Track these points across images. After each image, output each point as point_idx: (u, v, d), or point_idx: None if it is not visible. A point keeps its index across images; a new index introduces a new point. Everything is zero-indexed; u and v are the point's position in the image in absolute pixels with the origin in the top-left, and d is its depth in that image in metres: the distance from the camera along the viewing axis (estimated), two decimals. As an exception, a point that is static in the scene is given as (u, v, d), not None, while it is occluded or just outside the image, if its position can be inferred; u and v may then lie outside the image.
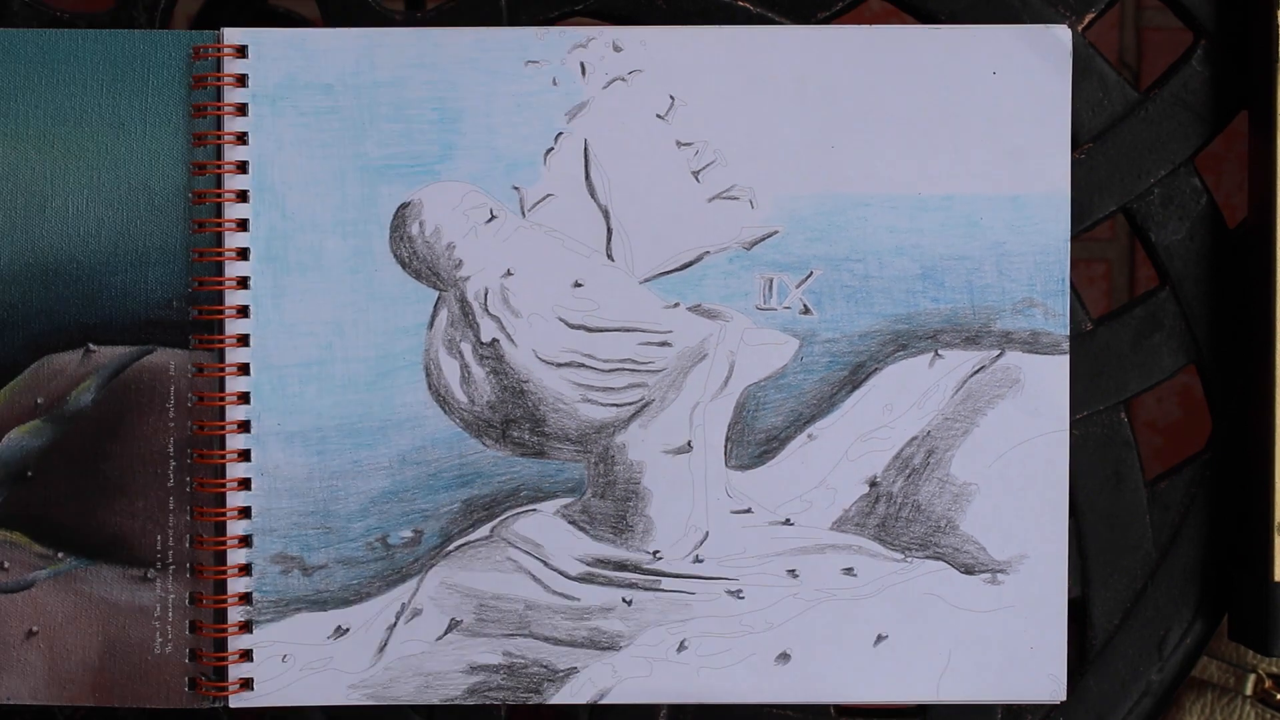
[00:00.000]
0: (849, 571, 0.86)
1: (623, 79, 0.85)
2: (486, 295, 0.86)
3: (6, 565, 0.86)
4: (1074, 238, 0.86)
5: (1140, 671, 0.90)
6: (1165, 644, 0.90)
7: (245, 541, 0.86)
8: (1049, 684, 0.87)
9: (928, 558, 0.86)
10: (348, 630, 0.86)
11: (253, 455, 0.86)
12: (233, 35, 0.85)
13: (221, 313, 0.85)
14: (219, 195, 0.85)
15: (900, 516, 0.86)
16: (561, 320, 0.86)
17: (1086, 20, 0.89)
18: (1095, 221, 0.89)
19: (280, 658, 0.86)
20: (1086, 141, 0.89)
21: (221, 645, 0.86)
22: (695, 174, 0.85)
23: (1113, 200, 0.89)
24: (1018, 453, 0.86)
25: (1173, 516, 0.90)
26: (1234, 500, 0.90)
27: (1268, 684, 0.96)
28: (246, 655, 0.86)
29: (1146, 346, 0.90)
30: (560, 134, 0.86)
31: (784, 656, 0.86)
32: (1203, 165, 0.90)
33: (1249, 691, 0.96)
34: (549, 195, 0.86)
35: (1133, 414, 0.91)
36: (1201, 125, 0.89)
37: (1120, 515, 0.90)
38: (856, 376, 0.86)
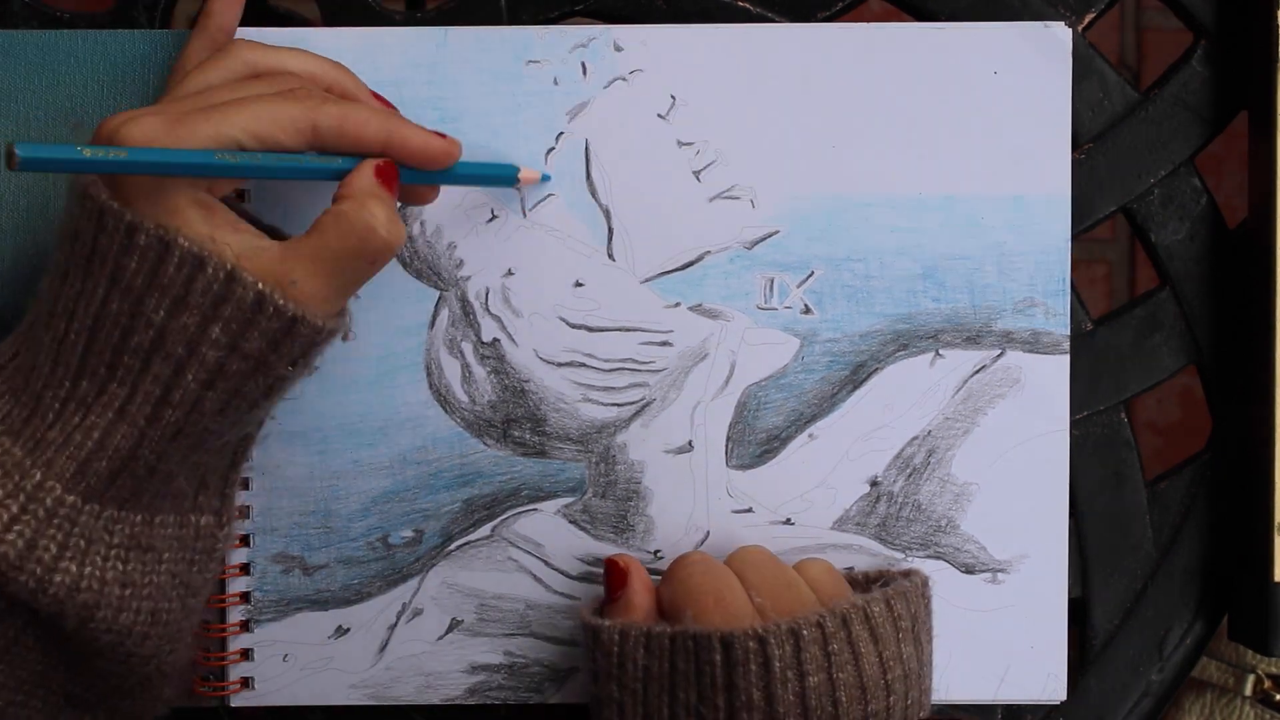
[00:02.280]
0: (850, 571, 0.86)
1: (623, 79, 0.85)
2: (488, 295, 0.86)
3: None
4: (1074, 238, 0.86)
5: (1140, 671, 0.90)
6: (1165, 644, 0.90)
7: (244, 541, 0.86)
8: (1049, 683, 0.87)
9: (928, 557, 0.86)
10: (348, 630, 0.86)
11: (252, 455, 0.86)
12: (233, 35, 0.85)
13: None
14: (219, 195, 0.85)
15: (901, 516, 0.86)
16: (562, 320, 0.86)
17: (1086, 20, 0.89)
18: (1095, 221, 0.89)
19: (281, 657, 0.86)
20: (1086, 141, 0.89)
21: (221, 645, 0.86)
22: (696, 174, 0.85)
23: (1113, 200, 0.89)
24: (1018, 452, 0.86)
25: (1173, 516, 0.90)
26: (1234, 500, 0.90)
27: (1267, 684, 0.96)
28: (246, 654, 0.86)
29: (1146, 346, 0.90)
30: (561, 133, 0.86)
31: (784, 656, 0.86)
32: (1203, 165, 0.90)
33: (1249, 692, 0.96)
34: (550, 195, 0.86)
35: (1133, 414, 0.91)
36: (1201, 125, 0.89)
37: (1120, 515, 0.90)
38: (857, 376, 0.86)
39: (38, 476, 0.70)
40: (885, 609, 0.77)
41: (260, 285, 0.70)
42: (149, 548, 0.73)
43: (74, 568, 0.70)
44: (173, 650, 0.77)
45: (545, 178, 0.86)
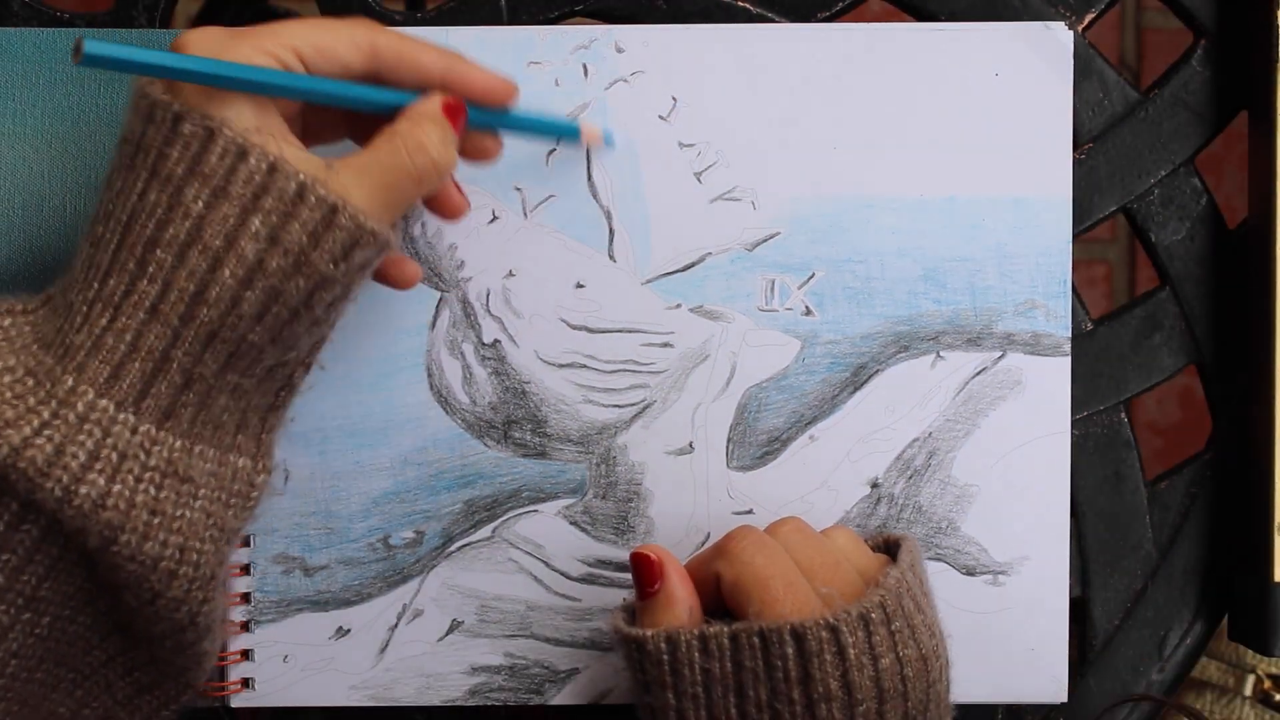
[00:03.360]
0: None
1: (625, 80, 0.85)
2: (488, 296, 0.86)
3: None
4: (1074, 238, 0.86)
5: (1140, 671, 0.90)
6: (1165, 644, 0.90)
7: (245, 541, 0.86)
8: (1050, 685, 0.87)
9: (929, 559, 0.86)
10: (349, 631, 0.86)
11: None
12: (234, 35, 0.85)
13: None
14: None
15: (901, 518, 0.86)
16: (563, 321, 0.86)
17: (1087, 20, 0.89)
18: (1095, 222, 0.89)
19: (281, 658, 0.86)
20: (1086, 141, 0.89)
21: (222, 645, 0.86)
22: (697, 175, 0.85)
23: (1113, 200, 0.89)
24: (1019, 454, 0.86)
25: (1173, 516, 0.90)
26: (1234, 500, 0.90)
27: (1267, 684, 0.96)
28: (247, 655, 0.86)
29: (1146, 346, 0.90)
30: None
31: (785, 657, 0.86)
32: (1203, 165, 0.90)
33: (1249, 692, 0.96)
34: (551, 196, 0.86)
35: (1133, 414, 0.91)
36: (1201, 125, 0.89)
37: (1120, 515, 0.90)
38: (858, 378, 0.86)
39: (69, 382, 0.69)
40: (914, 577, 0.77)
41: (302, 175, 0.69)
42: (186, 478, 0.72)
43: (102, 481, 0.69)
44: (205, 601, 0.75)
45: (608, 140, 0.86)
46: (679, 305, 0.86)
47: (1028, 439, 0.86)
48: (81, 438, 0.69)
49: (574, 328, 0.86)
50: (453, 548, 0.86)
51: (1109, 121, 0.89)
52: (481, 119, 0.78)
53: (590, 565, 0.86)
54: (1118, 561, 0.90)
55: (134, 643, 0.77)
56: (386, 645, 0.86)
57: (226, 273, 0.69)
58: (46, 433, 0.68)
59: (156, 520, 0.71)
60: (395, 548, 0.86)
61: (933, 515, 0.86)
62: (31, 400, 0.69)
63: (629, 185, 0.86)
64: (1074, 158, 0.87)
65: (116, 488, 0.69)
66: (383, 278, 0.80)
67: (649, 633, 0.76)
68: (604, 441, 0.86)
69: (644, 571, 0.78)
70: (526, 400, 0.86)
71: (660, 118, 0.86)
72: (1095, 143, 0.89)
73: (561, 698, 0.87)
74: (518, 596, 0.86)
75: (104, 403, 0.69)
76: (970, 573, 0.87)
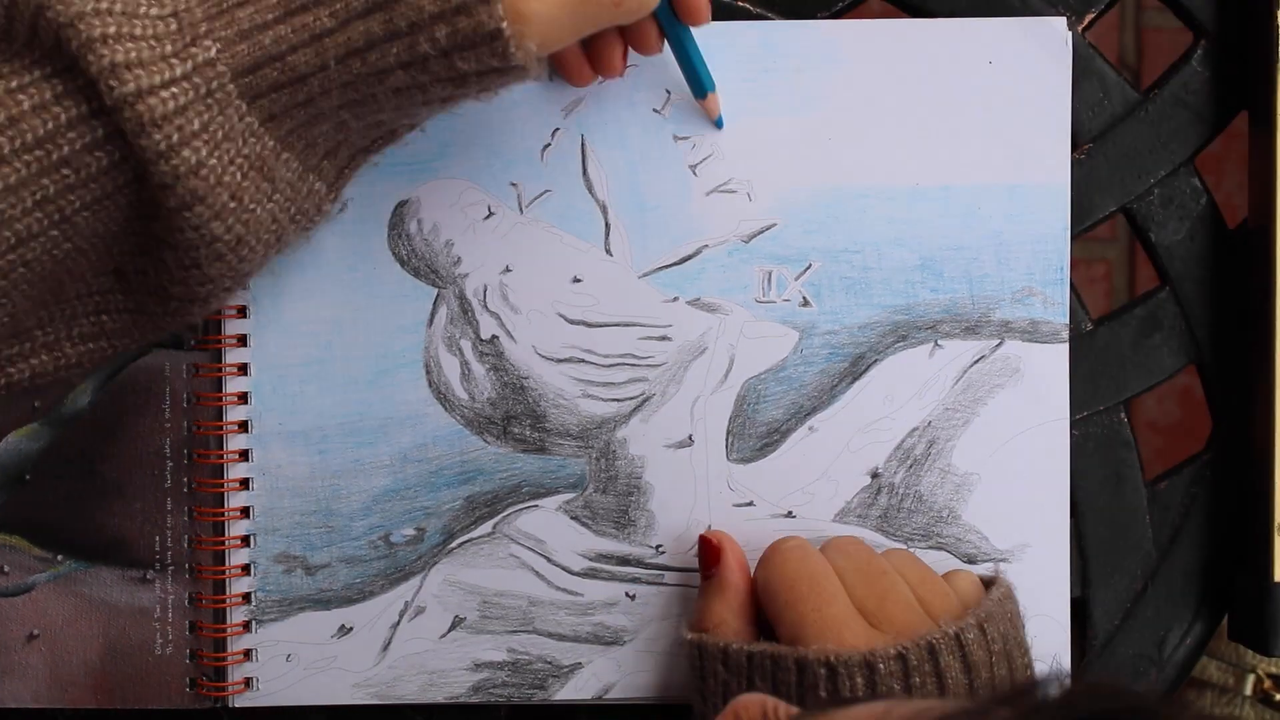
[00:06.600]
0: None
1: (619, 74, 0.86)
2: (485, 292, 0.86)
3: (6, 569, 0.86)
4: (1074, 238, 0.87)
5: (1140, 671, 0.90)
6: (1165, 644, 0.90)
7: (245, 541, 0.86)
8: (1051, 677, 0.87)
9: (930, 548, 0.86)
10: (351, 629, 0.86)
11: (253, 455, 0.86)
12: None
13: (219, 312, 0.85)
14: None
15: (902, 507, 0.86)
16: (561, 316, 0.86)
17: (1087, 20, 0.89)
18: (1095, 221, 0.89)
19: (284, 657, 0.86)
20: (1086, 141, 0.89)
21: (221, 645, 0.86)
22: (693, 168, 0.86)
23: (1113, 200, 0.89)
24: (1019, 442, 0.86)
25: (1173, 516, 0.90)
26: (1234, 500, 0.90)
27: (1267, 684, 0.96)
28: (249, 655, 0.86)
29: (1146, 346, 0.90)
30: (557, 130, 0.86)
31: (786, 653, 0.86)
32: (1203, 165, 0.90)
33: (1249, 691, 0.96)
34: (547, 191, 0.86)
35: (1133, 414, 0.91)
36: (1201, 125, 0.90)
37: (1120, 515, 0.90)
38: (857, 368, 0.86)
39: (213, 51, 0.69)
40: (979, 634, 0.77)
41: (505, 24, 0.69)
42: (268, 177, 0.73)
43: (204, 152, 0.69)
44: (229, 289, 0.77)
45: (718, 123, 0.86)
46: (676, 298, 0.86)
47: (1027, 426, 0.86)
48: (200, 108, 0.69)
49: (571, 322, 0.86)
50: (454, 544, 0.86)
51: (1109, 121, 0.89)
52: (663, 17, 0.79)
53: (591, 560, 0.86)
54: (1118, 561, 0.90)
55: (126, 291, 0.78)
56: (389, 643, 0.86)
57: (394, 51, 0.69)
58: (173, 89, 0.68)
59: (232, 205, 0.72)
60: (396, 545, 0.86)
61: (933, 504, 0.86)
62: (168, 47, 0.68)
63: (624, 179, 0.86)
64: (1074, 158, 0.87)
65: (211, 162, 0.70)
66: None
67: (688, 635, 0.80)
68: (603, 435, 0.86)
69: (705, 554, 0.83)
70: (525, 395, 0.86)
71: (655, 111, 0.86)
72: (1095, 143, 0.89)
73: (565, 693, 0.87)
74: (519, 592, 0.86)
75: (231, 86, 0.70)
76: (971, 561, 0.86)
